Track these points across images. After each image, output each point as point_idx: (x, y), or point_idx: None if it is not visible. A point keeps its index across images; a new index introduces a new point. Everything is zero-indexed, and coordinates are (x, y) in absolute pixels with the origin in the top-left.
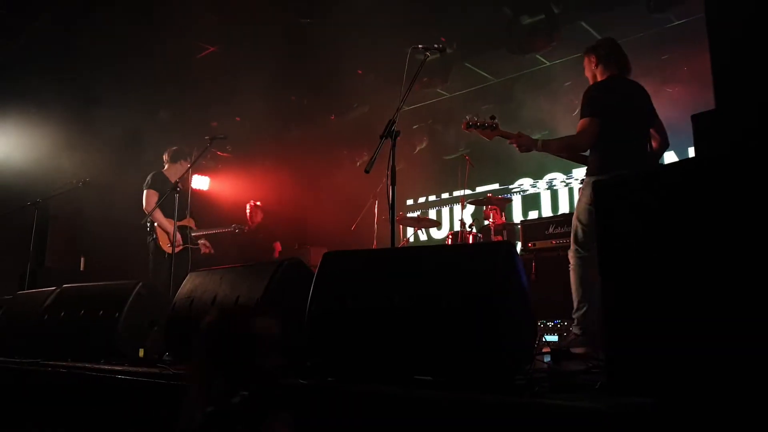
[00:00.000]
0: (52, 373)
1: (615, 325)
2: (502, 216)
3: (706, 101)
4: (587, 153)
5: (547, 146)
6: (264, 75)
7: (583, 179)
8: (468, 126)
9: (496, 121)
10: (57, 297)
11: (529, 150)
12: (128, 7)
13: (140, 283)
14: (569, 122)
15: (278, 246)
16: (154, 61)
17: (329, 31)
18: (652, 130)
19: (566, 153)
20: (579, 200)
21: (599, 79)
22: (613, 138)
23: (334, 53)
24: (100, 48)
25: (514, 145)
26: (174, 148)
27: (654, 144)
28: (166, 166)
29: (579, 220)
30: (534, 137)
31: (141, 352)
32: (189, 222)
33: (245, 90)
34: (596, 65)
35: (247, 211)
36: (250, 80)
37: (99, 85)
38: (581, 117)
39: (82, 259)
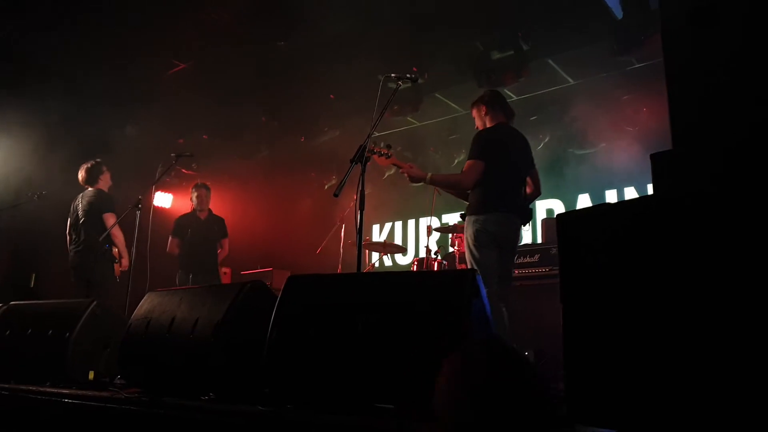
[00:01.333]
0: None
1: (575, 355)
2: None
3: (664, 140)
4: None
5: (434, 180)
6: (235, 94)
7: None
8: (367, 152)
9: (391, 150)
10: (2, 315)
11: (417, 182)
12: (98, 21)
13: (95, 302)
14: (535, 156)
15: (227, 270)
16: (123, 75)
17: (303, 54)
18: (528, 178)
19: (452, 190)
20: (465, 240)
21: (488, 125)
22: (493, 181)
23: (307, 76)
24: (66, 61)
25: (405, 175)
26: (88, 165)
27: (528, 190)
28: (99, 183)
29: (468, 259)
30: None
31: (91, 375)
32: None
33: (215, 108)
34: (485, 113)
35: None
36: (221, 98)
37: (63, 98)
38: (468, 158)
39: (33, 276)
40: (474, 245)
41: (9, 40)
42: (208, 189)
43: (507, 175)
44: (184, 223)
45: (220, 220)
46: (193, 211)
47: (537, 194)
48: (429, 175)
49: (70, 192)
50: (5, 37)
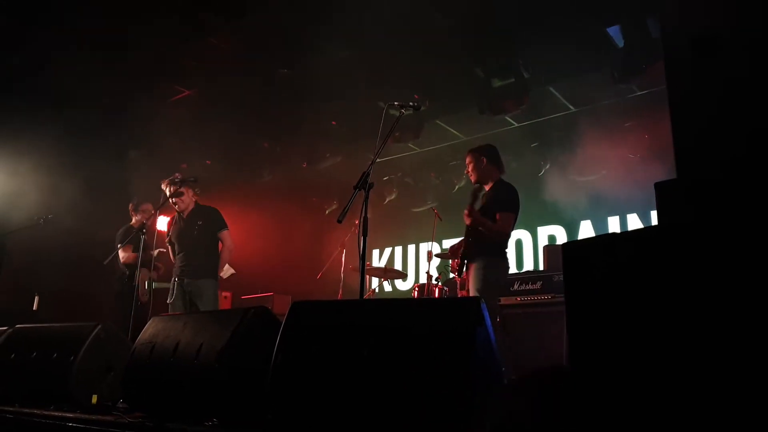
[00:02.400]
0: None
1: (582, 380)
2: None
3: (667, 167)
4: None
5: (479, 222)
6: (238, 119)
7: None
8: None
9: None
10: (8, 338)
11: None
12: (104, 48)
13: (99, 326)
14: (535, 182)
15: (228, 295)
16: (127, 101)
17: (306, 81)
18: None
19: (484, 238)
20: (485, 278)
21: (496, 177)
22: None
23: (310, 103)
24: (71, 86)
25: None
26: (133, 201)
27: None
28: (132, 219)
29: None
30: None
31: (94, 399)
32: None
33: (218, 134)
34: (487, 164)
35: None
36: (224, 124)
37: (68, 123)
38: (503, 210)
39: (36, 299)
40: (495, 285)
41: (22, 69)
42: (179, 183)
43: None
44: (171, 229)
45: (207, 212)
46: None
47: None
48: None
49: (75, 216)
50: (18, 64)
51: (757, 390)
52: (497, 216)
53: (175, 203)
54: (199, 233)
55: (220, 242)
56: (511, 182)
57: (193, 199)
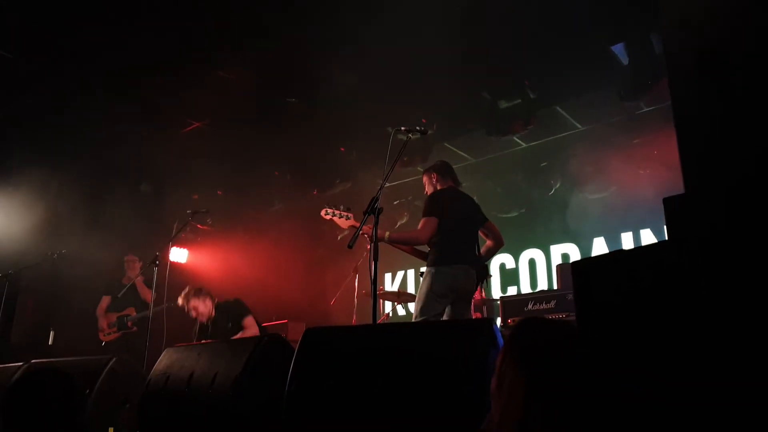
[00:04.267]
0: None
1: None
2: (481, 292)
3: (677, 183)
4: (424, 249)
5: (392, 239)
6: (248, 149)
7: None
8: (326, 214)
9: (351, 212)
10: (24, 373)
11: (377, 241)
12: (113, 80)
13: (114, 359)
14: (546, 201)
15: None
16: (138, 133)
17: (314, 109)
18: (482, 232)
19: (407, 246)
20: (421, 287)
21: (438, 188)
22: (449, 235)
23: (317, 131)
24: (81, 118)
25: (366, 236)
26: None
27: (489, 242)
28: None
29: (416, 308)
30: (512, 215)
31: (111, 431)
32: (130, 311)
33: (229, 164)
34: (437, 180)
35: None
36: (234, 154)
37: (78, 157)
38: (423, 216)
39: (51, 333)
40: (429, 293)
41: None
42: (192, 294)
43: (460, 230)
44: (197, 331)
45: (229, 308)
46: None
47: (499, 245)
48: (387, 234)
49: (87, 251)
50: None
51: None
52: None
53: (195, 316)
54: (228, 334)
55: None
56: (522, 202)
57: (211, 305)
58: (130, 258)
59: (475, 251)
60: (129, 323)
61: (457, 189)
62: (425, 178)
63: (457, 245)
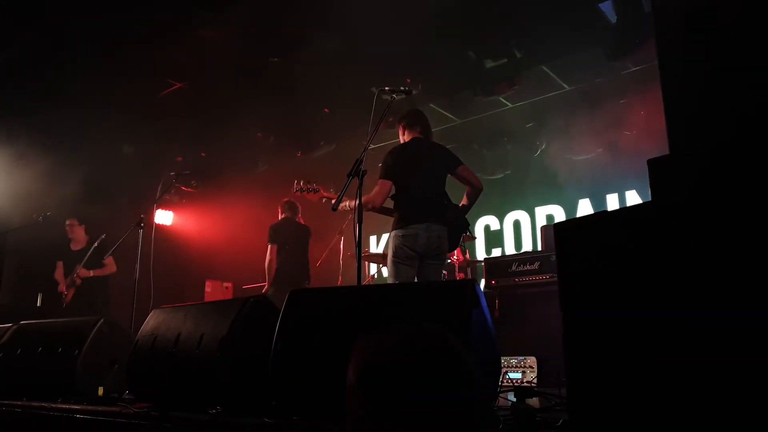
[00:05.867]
0: (7, 413)
1: (576, 362)
2: (465, 253)
3: (663, 144)
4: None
5: (352, 207)
6: (231, 110)
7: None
8: (295, 191)
9: (319, 186)
10: (13, 334)
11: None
12: (94, 42)
13: (102, 320)
14: (531, 162)
15: (229, 285)
16: (120, 95)
17: (297, 69)
18: (458, 179)
19: (366, 210)
20: (387, 254)
21: (402, 142)
22: (410, 196)
23: (301, 92)
24: (64, 80)
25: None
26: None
27: (468, 189)
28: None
29: (389, 272)
30: (497, 176)
31: (100, 391)
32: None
33: (212, 125)
34: (403, 131)
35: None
36: (217, 115)
37: (62, 120)
38: (379, 178)
39: (39, 295)
40: (393, 259)
41: (17, 65)
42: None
43: (419, 187)
44: (280, 229)
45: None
46: (285, 218)
47: (478, 189)
48: (347, 202)
49: (71, 213)
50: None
51: (751, 370)
52: None
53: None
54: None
55: None
56: (507, 163)
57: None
58: (70, 222)
59: (443, 206)
60: (75, 277)
61: (422, 139)
62: (399, 130)
63: (413, 204)
